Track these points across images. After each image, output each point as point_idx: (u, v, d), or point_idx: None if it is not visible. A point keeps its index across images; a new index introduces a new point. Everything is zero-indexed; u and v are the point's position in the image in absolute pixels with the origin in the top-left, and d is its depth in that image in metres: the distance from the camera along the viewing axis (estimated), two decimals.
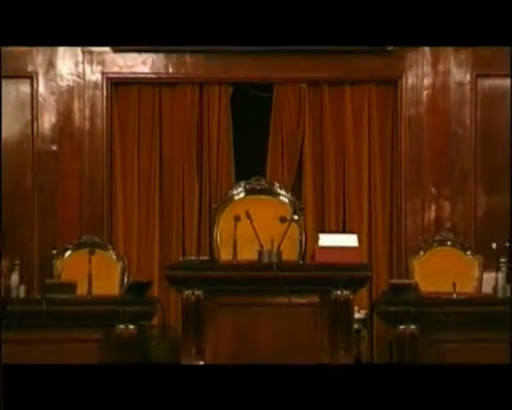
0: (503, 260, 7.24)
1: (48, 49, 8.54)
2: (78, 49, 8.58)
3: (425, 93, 8.55)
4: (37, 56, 8.56)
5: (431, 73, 8.54)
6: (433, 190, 8.53)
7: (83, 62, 8.58)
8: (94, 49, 8.57)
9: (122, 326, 6.73)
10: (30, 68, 8.56)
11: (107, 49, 8.54)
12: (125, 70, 8.62)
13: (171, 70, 8.61)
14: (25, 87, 8.56)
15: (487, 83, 8.54)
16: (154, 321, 7.43)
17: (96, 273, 7.04)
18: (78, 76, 8.59)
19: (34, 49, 8.53)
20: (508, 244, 7.34)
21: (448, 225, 8.40)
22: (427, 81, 8.55)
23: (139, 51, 8.57)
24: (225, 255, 7.31)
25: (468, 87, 8.52)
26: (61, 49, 8.56)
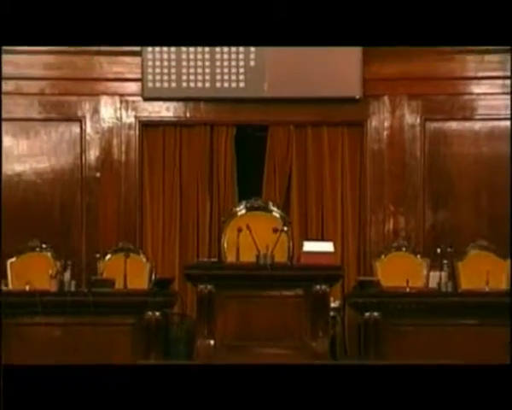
0: (445, 261, 7.25)
1: (93, 99, 8.52)
2: (117, 99, 8.53)
3: (385, 133, 8.52)
4: (85, 104, 8.53)
5: (389, 118, 8.51)
6: (392, 207, 8.50)
7: (120, 109, 8.55)
8: (129, 98, 8.51)
9: (150, 313, 6.73)
10: (79, 114, 8.53)
11: (140, 98, 8.50)
12: (152, 115, 8.58)
13: (188, 115, 8.58)
14: (76, 128, 8.52)
15: (432, 125, 8.51)
16: (175, 309, 7.41)
17: (130, 272, 7.05)
18: (117, 119, 8.56)
19: (83, 98, 8.51)
20: (449, 249, 7.34)
21: (403, 234, 8.36)
22: (386, 124, 8.52)
23: (164, 100, 8.53)
24: (230, 258, 7.31)
25: (418, 128, 8.49)
26: (103, 99, 8.52)
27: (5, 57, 8.33)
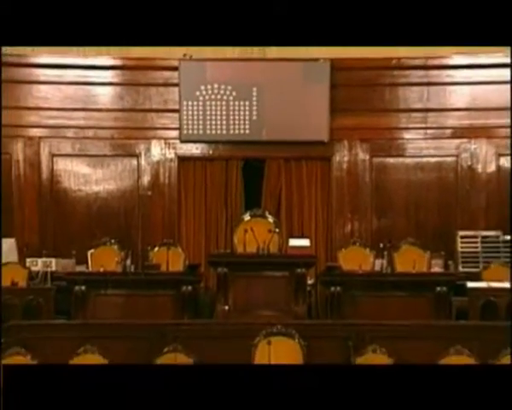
0: (385, 253, 7.28)
1: (146, 142, 8.50)
2: (163, 141, 8.51)
3: (345, 165, 8.50)
4: (141, 145, 8.51)
5: (347, 155, 8.49)
6: (350, 215, 8.48)
7: (164, 148, 8.52)
8: (170, 141, 8.47)
9: (184, 287, 6.70)
10: (137, 152, 8.52)
11: (178, 141, 8.48)
12: (186, 152, 8.55)
13: (211, 152, 8.57)
14: (134, 161, 8.51)
15: (377, 160, 8.49)
16: (202, 285, 7.38)
17: (170, 259, 7.03)
18: (162, 155, 8.54)
19: (139, 141, 8.48)
20: (388, 244, 7.37)
21: (357, 234, 8.35)
22: (346, 158, 8.50)
23: (194, 142, 8.51)
24: (240, 250, 7.25)
25: (367, 162, 8.47)
26: (153, 142, 8.50)
27: (89, 114, 8.46)
